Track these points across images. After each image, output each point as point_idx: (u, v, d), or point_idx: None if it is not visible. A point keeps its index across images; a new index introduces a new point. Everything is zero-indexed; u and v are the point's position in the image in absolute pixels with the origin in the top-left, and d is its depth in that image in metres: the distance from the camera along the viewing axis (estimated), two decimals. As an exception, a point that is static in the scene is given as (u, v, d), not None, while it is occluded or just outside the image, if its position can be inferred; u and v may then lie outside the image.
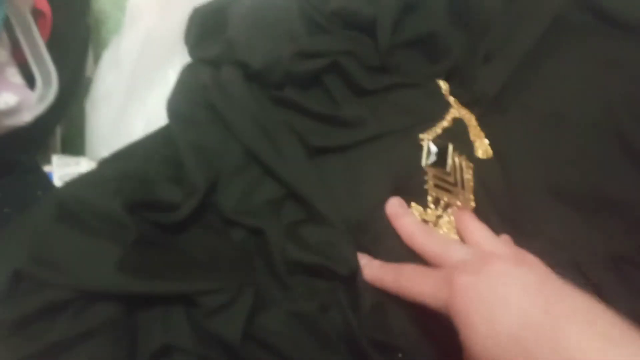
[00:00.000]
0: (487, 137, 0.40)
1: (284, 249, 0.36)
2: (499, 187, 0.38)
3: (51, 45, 0.49)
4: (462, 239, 0.36)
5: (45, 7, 0.49)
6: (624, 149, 0.37)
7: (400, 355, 0.33)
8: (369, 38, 0.42)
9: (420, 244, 0.35)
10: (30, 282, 0.32)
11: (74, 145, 0.56)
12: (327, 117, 0.40)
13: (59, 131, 0.54)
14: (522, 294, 0.28)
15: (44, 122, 0.47)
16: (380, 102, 0.41)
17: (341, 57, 0.40)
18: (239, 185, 0.38)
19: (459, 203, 0.37)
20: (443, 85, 0.42)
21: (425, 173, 0.38)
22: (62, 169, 0.48)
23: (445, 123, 0.40)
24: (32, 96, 0.47)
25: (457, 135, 0.40)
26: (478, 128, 0.41)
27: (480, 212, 0.37)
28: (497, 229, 0.35)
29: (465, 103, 0.41)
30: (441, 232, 0.37)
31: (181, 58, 0.46)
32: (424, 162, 0.37)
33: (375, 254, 0.36)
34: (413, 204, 0.38)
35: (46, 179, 0.48)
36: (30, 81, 0.48)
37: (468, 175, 0.38)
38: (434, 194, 0.38)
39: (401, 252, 0.35)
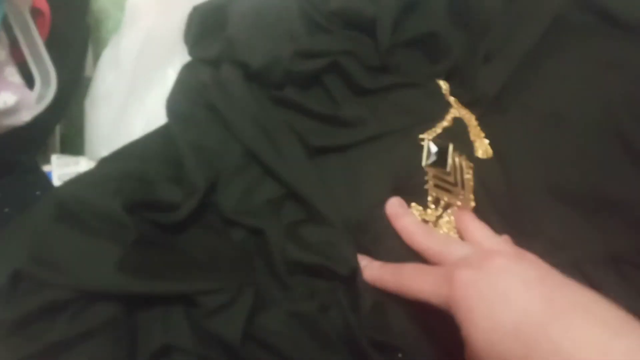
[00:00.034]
0: (487, 137, 0.40)
1: (284, 249, 0.36)
2: (499, 187, 0.38)
3: (50, 45, 0.49)
4: (463, 239, 0.36)
5: (44, 6, 0.49)
6: (624, 149, 0.37)
7: (400, 355, 0.33)
8: (369, 38, 0.42)
9: (420, 243, 0.35)
10: (30, 282, 0.32)
11: (74, 145, 0.56)
12: (327, 117, 0.40)
13: (58, 131, 0.54)
14: (522, 288, 0.28)
15: (43, 121, 0.47)
16: (380, 102, 0.41)
17: (341, 57, 0.40)
18: (239, 185, 0.38)
19: (459, 203, 0.37)
20: (443, 85, 0.42)
21: (425, 173, 0.38)
22: (61, 169, 0.48)
23: (445, 123, 0.40)
24: (31, 96, 0.47)
25: (457, 135, 0.40)
26: (478, 128, 0.41)
27: (480, 212, 0.37)
28: (497, 229, 0.35)
29: (465, 103, 0.41)
30: (441, 232, 0.37)
31: (181, 57, 0.46)
32: (424, 162, 0.37)
33: (375, 254, 0.36)
34: (413, 204, 0.38)
35: (45, 178, 0.48)
36: (29, 81, 0.48)
37: (468, 175, 0.38)
38: (434, 194, 0.38)
39: (401, 252, 0.35)
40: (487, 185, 0.38)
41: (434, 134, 0.40)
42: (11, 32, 0.46)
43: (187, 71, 0.43)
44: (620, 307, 0.26)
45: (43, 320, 0.31)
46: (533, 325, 0.26)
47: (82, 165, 0.48)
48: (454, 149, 0.37)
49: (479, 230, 0.35)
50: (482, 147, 0.40)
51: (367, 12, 0.41)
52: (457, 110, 0.41)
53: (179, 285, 0.34)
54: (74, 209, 0.34)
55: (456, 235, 0.37)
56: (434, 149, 0.37)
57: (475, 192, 0.38)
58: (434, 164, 0.37)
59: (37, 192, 0.46)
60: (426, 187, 0.38)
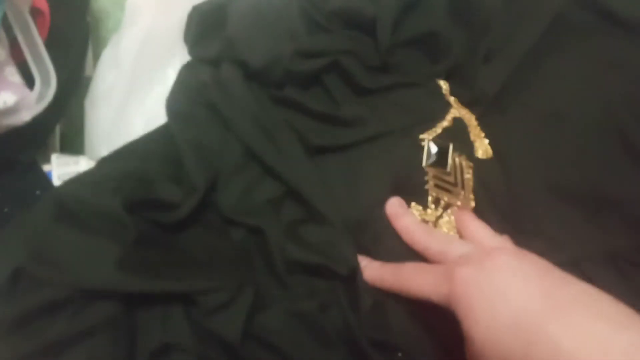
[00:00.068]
0: (487, 136, 0.40)
1: (284, 248, 0.36)
2: (499, 187, 0.38)
3: (50, 44, 0.48)
4: (463, 239, 0.36)
5: (44, 6, 0.49)
6: (625, 149, 0.37)
7: (400, 354, 0.33)
8: (369, 37, 0.42)
9: (420, 243, 0.35)
10: (29, 280, 0.32)
11: (73, 145, 0.56)
12: (327, 116, 0.40)
13: (58, 130, 0.54)
14: (522, 284, 0.28)
15: (43, 121, 0.47)
16: (380, 101, 0.41)
17: (341, 56, 0.40)
18: (238, 185, 0.38)
19: (459, 203, 0.37)
20: (443, 85, 0.42)
21: (425, 173, 0.38)
22: (61, 168, 0.48)
23: (445, 123, 0.40)
24: (31, 95, 0.47)
25: (457, 135, 0.40)
26: (478, 128, 0.41)
27: (480, 212, 0.37)
28: (497, 229, 0.35)
29: (465, 103, 0.41)
30: (441, 232, 0.37)
31: (181, 57, 0.46)
32: (424, 162, 0.37)
33: (375, 253, 0.36)
34: (413, 204, 0.38)
35: (45, 178, 0.48)
36: (29, 80, 0.48)
37: (468, 175, 0.38)
38: (434, 194, 0.38)
39: (401, 251, 0.35)
40: (487, 185, 0.38)
41: (434, 134, 0.40)
42: (11, 31, 0.46)
43: (187, 71, 0.43)
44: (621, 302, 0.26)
45: (43, 319, 0.31)
46: (533, 320, 0.26)
47: (81, 164, 0.48)
48: (454, 149, 0.37)
49: (479, 230, 0.35)
50: (482, 147, 0.40)
51: (367, 12, 0.41)
52: (457, 110, 0.41)
53: (179, 284, 0.34)
54: (74, 208, 0.34)
55: (456, 236, 0.37)
56: (434, 149, 0.37)
57: (475, 192, 0.38)
58: (434, 164, 0.37)
59: (37, 192, 0.46)
60: (426, 187, 0.38)
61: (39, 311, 0.31)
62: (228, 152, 0.39)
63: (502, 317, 0.27)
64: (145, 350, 0.33)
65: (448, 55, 0.42)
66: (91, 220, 0.34)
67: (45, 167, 0.49)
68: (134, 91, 0.48)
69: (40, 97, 0.47)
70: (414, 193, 0.38)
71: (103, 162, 0.39)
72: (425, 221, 0.37)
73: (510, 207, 0.38)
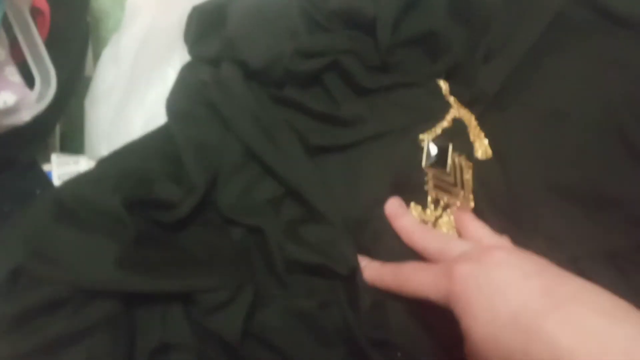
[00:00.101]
0: (486, 136, 0.40)
1: (284, 247, 0.36)
2: (499, 187, 0.38)
3: (50, 44, 0.49)
4: (462, 238, 0.36)
5: (44, 6, 0.49)
6: (625, 148, 0.37)
7: (399, 354, 0.33)
8: (369, 37, 0.42)
9: (420, 242, 0.35)
10: (29, 279, 0.32)
11: (73, 144, 0.56)
12: (327, 116, 0.40)
13: (58, 130, 0.54)
14: (521, 280, 0.28)
15: (43, 120, 0.47)
16: (380, 101, 0.41)
17: (341, 56, 0.40)
18: (238, 184, 0.38)
19: (458, 203, 0.37)
20: (443, 85, 0.42)
21: (425, 173, 0.38)
22: (61, 168, 0.48)
23: (445, 123, 0.40)
24: (31, 95, 0.47)
25: (457, 135, 0.40)
26: (478, 128, 0.41)
27: (480, 212, 0.37)
28: (496, 229, 0.35)
29: (465, 103, 0.41)
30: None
31: (181, 56, 0.46)
32: (424, 162, 0.37)
33: (374, 252, 0.36)
34: (412, 204, 0.38)
35: (45, 177, 0.48)
36: (29, 80, 0.48)
37: (467, 175, 0.38)
38: (433, 194, 0.38)
39: (401, 251, 0.35)
40: (486, 185, 0.38)
41: (434, 135, 0.40)
42: (11, 31, 0.46)
43: (187, 70, 0.44)
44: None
45: (42, 318, 0.31)
46: (532, 315, 0.26)
47: (81, 164, 0.48)
48: (454, 150, 0.38)
49: (478, 230, 0.35)
50: (482, 148, 0.40)
51: (367, 12, 0.41)
52: (456, 111, 0.41)
53: (178, 283, 0.34)
54: (74, 207, 0.34)
55: (456, 236, 0.37)
56: (433, 150, 0.37)
57: (474, 192, 0.38)
58: (433, 165, 0.37)
59: (37, 191, 0.46)
60: (426, 187, 0.38)
61: (38, 310, 0.31)
62: (228, 151, 0.39)
63: (501, 313, 0.27)
64: (144, 349, 0.33)
65: (448, 55, 0.42)
66: (91, 219, 0.34)
67: (45, 167, 0.49)
68: (134, 91, 0.48)
69: (40, 97, 0.47)
70: (414, 193, 0.38)
71: (103, 162, 0.39)
72: (424, 221, 0.37)
73: (510, 207, 0.38)
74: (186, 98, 0.42)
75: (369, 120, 0.40)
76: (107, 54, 0.52)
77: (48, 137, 0.53)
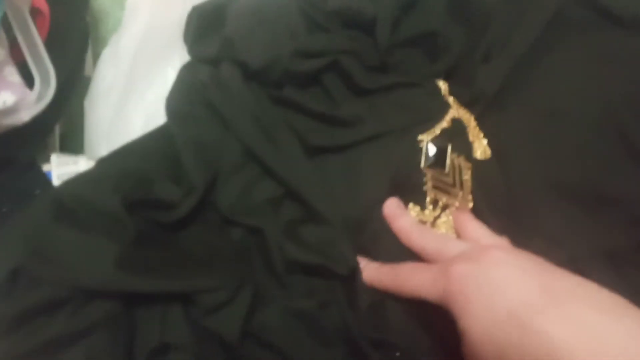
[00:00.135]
0: (485, 136, 0.40)
1: (283, 247, 0.36)
2: (498, 187, 0.38)
3: (50, 44, 0.49)
4: (461, 239, 0.36)
5: (44, 6, 0.49)
6: (625, 147, 0.37)
7: (398, 354, 0.33)
8: (368, 37, 0.42)
9: (418, 243, 0.35)
10: (29, 279, 0.32)
11: (73, 144, 0.56)
12: (326, 116, 0.40)
13: (57, 130, 0.54)
14: (519, 277, 0.28)
15: (42, 120, 0.47)
16: (379, 101, 0.41)
17: (341, 56, 0.40)
18: (238, 184, 0.38)
19: (457, 204, 0.37)
20: (442, 85, 0.42)
21: (424, 174, 0.38)
22: (60, 168, 0.48)
23: (444, 124, 0.40)
24: (31, 95, 0.47)
25: (456, 135, 0.40)
26: (477, 129, 0.41)
27: (478, 213, 0.37)
28: (495, 229, 0.35)
29: (464, 103, 0.41)
30: (439, 232, 0.37)
31: (180, 56, 0.46)
32: (422, 163, 0.37)
33: (373, 253, 0.36)
34: (411, 204, 0.38)
35: (44, 177, 0.48)
36: (28, 80, 0.48)
37: (466, 176, 0.38)
38: (432, 195, 0.38)
39: (400, 251, 0.35)
40: (485, 185, 0.38)
41: (433, 135, 0.40)
42: (11, 31, 0.47)
43: (186, 70, 0.44)
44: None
45: (42, 317, 0.31)
46: (530, 312, 0.26)
47: (81, 164, 0.48)
48: (453, 150, 0.38)
49: (476, 230, 0.35)
50: (481, 148, 0.40)
51: (367, 12, 0.41)
52: (455, 111, 0.41)
53: (178, 283, 0.34)
54: (73, 207, 0.34)
55: (454, 236, 0.37)
56: (432, 150, 0.37)
57: (473, 193, 0.38)
58: (432, 165, 0.37)
59: (36, 191, 0.46)
60: (424, 188, 0.38)
61: (38, 310, 0.31)
62: (227, 151, 0.39)
63: (499, 311, 0.27)
64: (144, 349, 0.33)
65: (447, 55, 0.42)
66: (90, 219, 0.34)
67: (45, 167, 0.49)
68: (134, 91, 0.48)
69: (40, 97, 0.47)
70: (413, 193, 0.38)
71: (102, 162, 0.39)
72: (422, 222, 0.37)
73: (509, 207, 0.38)
74: (185, 98, 0.42)
75: (368, 120, 0.40)
76: (106, 54, 0.52)
77: (47, 137, 0.53)
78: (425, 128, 0.40)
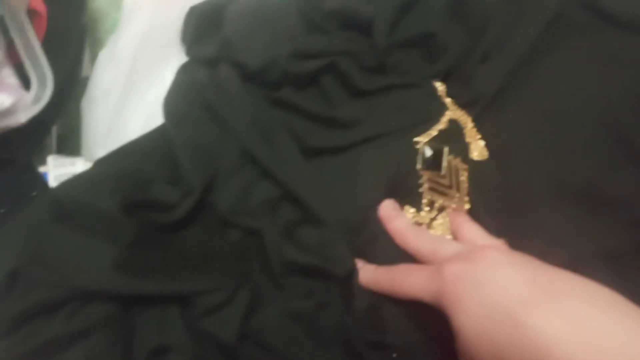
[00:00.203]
0: (483, 137, 0.40)
1: (281, 249, 0.36)
2: (494, 188, 0.38)
3: (47, 45, 0.49)
4: (457, 240, 0.36)
5: (41, 7, 0.49)
6: (625, 147, 0.37)
7: (394, 355, 0.33)
8: (366, 38, 0.42)
9: (413, 244, 0.35)
10: (26, 281, 0.32)
11: (70, 145, 0.56)
12: (324, 117, 0.40)
13: (54, 131, 0.54)
14: (515, 274, 0.27)
15: (39, 122, 0.47)
16: (376, 102, 0.41)
17: (338, 57, 0.40)
18: (236, 185, 0.38)
19: (453, 205, 0.37)
20: (439, 86, 0.42)
21: (420, 176, 0.38)
22: (57, 169, 0.48)
23: (441, 125, 0.40)
24: (28, 97, 0.47)
25: (453, 137, 0.40)
26: (474, 130, 0.41)
27: (475, 214, 0.37)
28: (491, 231, 0.35)
29: (462, 104, 0.41)
30: (435, 234, 0.37)
31: (178, 57, 0.46)
32: (419, 165, 0.37)
33: (370, 254, 0.36)
34: (406, 206, 0.38)
35: (42, 179, 0.47)
36: (25, 82, 0.48)
37: (463, 177, 0.39)
38: (428, 196, 0.38)
39: (397, 252, 0.36)
40: (482, 186, 0.38)
41: (429, 137, 0.40)
42: (7, 33, 0.46)
43: (184, 71, 0.44)
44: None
45: (40, 319, 0.31)
46: (531, 305, 0.26)
47: (78, 165, 0.48)
48: (449, 152, 0.38)
49: (472, 231, 0.35)
50: (478, 149, 0.40)
51: (364, 13, 0.41)
52: (453, 112, 0.41)
53: (175, 285, 0.34)
54: (70, 208, 0.34)
55: (450, 237, 0.37)
56: (428, 152, 0.37)
57: (470, 194, 0.38)
58: (429, 167, 0.37)
59: (34, 193, 0.46)
60: (421, 190, 0.38)
61: (37, 311, 0.31)
62: (225, 152, 0.39)
63: (493, 307, 0.27)
64: (142, 351, 0.33)
65: (446, 56, 0.42)
66: (88, 221, 0.34)
67: (42, 168, 0.48)
68: (131, 92, 0.48)
69: (37, 99, 0.47)
70: (409, 195, 0.38)
71: (100, 163, 0.39)
72: (418, 223, 0.38)
73: (509, 207, 0.38)
74: (183, 99, 0.42)
75: (365, 121, 0.40)
76: (104, 55, 0.52)
77: (44, 138, 0.53)
78: (422, 129, 0.40)
